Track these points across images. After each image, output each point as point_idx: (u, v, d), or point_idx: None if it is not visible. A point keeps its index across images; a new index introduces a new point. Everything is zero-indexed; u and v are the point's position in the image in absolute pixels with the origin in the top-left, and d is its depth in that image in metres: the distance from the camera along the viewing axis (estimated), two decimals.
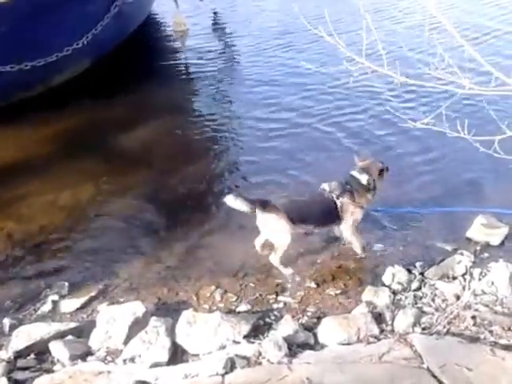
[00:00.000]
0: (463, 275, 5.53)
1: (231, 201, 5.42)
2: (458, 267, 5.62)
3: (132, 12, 10.02)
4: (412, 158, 7.54)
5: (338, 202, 5.67)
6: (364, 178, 5.75)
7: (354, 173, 5.80)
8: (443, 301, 5.23)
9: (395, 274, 5.53)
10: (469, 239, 6.09)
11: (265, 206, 5.50)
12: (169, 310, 5.18)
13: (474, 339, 4.65)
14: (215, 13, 12.50)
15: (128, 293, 5.48)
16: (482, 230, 6.10)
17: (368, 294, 5.31)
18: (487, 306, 5.10)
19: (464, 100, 7.97)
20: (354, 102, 8.89)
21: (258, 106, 8.93)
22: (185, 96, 9.70)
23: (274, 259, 5.66)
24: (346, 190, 5.71)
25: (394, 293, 5.35)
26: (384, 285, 5.47)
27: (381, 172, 5.86)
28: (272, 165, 7.44)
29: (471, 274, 5.52)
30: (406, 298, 5.30)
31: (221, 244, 6.08)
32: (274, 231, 5.60)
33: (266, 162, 7.52)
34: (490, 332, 4.75)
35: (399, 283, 5.45)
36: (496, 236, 6.03)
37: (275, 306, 5.26)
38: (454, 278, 5.52)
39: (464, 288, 5.35)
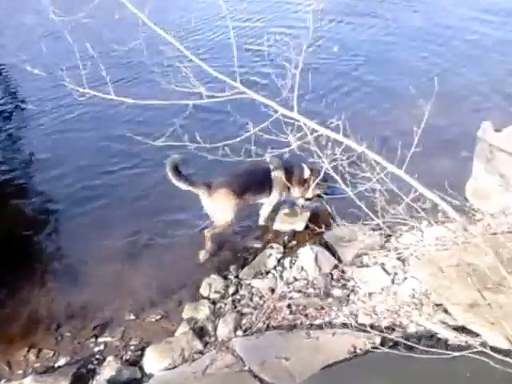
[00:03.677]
0: (275, 268, 5.68)
1: (176, 181, 5.56)
2: (269, 261, 5.76)
3: None
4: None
5: (272, 175, 5.95)
6: (307, 173, 6.09)
7: (304, 165, 6.11)
8: (260, 298, 5.33)
9: (211, 284, 5.54)
10: (276, 231, 6.26)
11: (210, 186, 5.74)
12: None
13: (292, 327, 4.79)
14: None
15: None
16: (286, 219, 6.32)
17: (188, 311, 5.28)
18: (300, 291, 5.28)
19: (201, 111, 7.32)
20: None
21: (49, 146, 8.28)
22: None
23: (208, 234, 5.88)
24: (282, 166, 5.97)
25: (214, 302, 5.37)
26: (203, 297, 5.46)
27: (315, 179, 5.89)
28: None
29: (282, 265, 5.69)
30: (226, 304, 5.33)
31: (25, 300, 5.58)
32: (219, 210, 5.83)
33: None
34: (306, 316, 4.93)
35: (216, 291, 5.47)
36: (300, 222, 6.26)
37: (96, 349, 5.04)
38: (268, 273, 5.64)
39: (277, 280, 5.49)
